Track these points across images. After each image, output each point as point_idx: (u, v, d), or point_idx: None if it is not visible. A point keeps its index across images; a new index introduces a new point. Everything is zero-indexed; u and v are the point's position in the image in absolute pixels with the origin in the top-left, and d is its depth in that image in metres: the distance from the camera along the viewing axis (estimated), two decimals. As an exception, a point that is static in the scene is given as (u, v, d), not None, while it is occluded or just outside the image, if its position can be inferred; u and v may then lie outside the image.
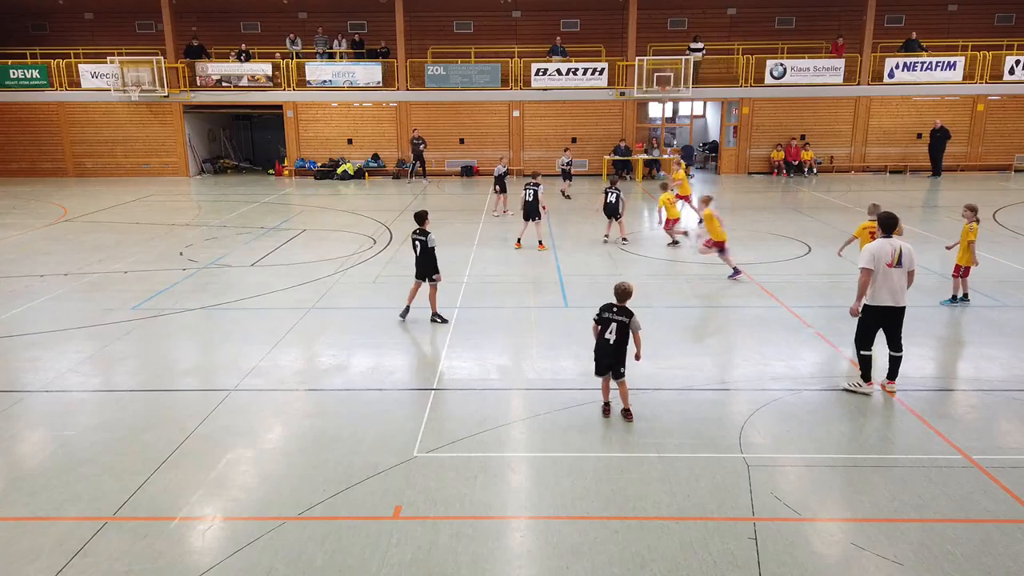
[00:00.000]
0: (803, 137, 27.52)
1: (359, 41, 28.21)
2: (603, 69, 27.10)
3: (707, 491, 6.05)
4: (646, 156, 27.24)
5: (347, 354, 9.42)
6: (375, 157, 27.49)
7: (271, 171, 28.40)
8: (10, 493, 6.19)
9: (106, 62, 26.26)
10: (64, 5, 28.04)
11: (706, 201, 12.69)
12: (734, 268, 12.55)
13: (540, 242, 15.02)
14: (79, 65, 26.86)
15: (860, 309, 7.82)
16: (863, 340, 7.88)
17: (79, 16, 29.04)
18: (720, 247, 12.51)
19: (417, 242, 10.22)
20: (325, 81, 27.15)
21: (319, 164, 27.28)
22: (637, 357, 7.32)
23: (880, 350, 8.06)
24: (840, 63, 26.95)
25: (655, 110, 30.25)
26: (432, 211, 19.34)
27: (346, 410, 7.77)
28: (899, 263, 7.61)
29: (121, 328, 10.29)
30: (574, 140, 27.64)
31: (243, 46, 27.76)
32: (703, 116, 32.17)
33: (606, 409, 7.53)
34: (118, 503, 5.89)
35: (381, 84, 27.14)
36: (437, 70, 27.08)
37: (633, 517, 5.72)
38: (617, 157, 26.79)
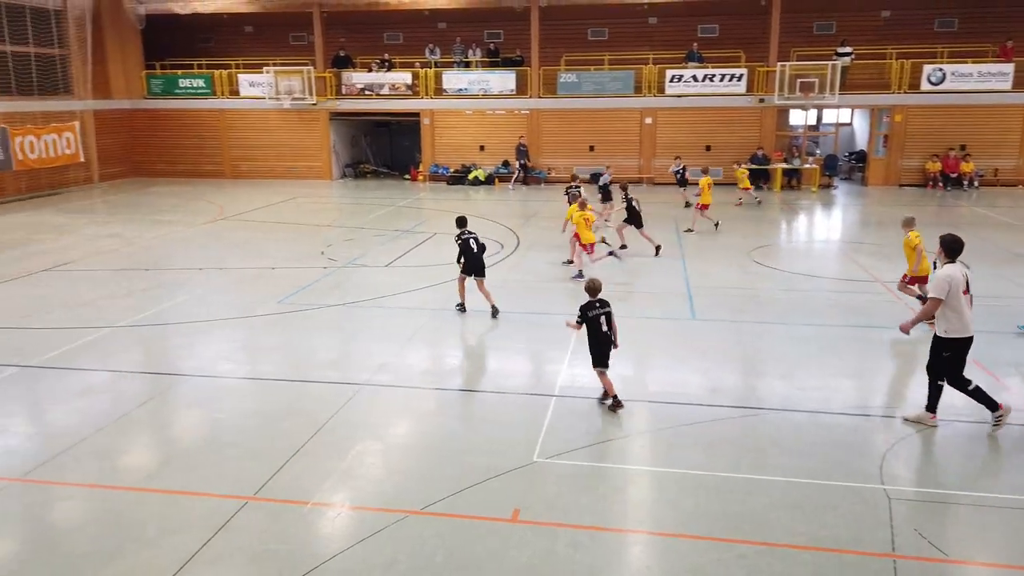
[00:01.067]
0: (963, 147, 25.41)
1: (494, 50, 28.79)
2: (742, 75, 26.23)
3: (842, 522, 5.69)
4: (785, 165, 26.09)
5: (471, 356, 9.60)
6: (505, 164, 27.93)
7: (407, 176, 29.49)
8: (167, 467, 6.75)
9: (262, 72, 28.22)
10: (228, 20, 30.37)
11: (909, 224, 10.61)
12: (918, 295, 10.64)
13: (657, 248, 14.90)
14: (239, 75, 29.00)
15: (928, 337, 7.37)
16: (957, 380, 7.15)
17: (240, 29, 31.38)
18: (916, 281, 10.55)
19: (472, 241, 10.99)
20: (461, 89, 27.89)
21: (452, 170, 28.05)
22: (615, 345, 7.83)
23: (920, 378, 7.58)
24: (1009, 68, 24.67)
25: (797, 117, 28.92)
26: (551, 218, 19.48)
27: (468, 410, 7.92)
28: (967, 289, 7.09)
29: (267, 320, 11.00)
30: (708, 148, 26.91)
31: (386, 56, 29.01)
32: (849, 124, 30.42)
33: (617, 402, 7.68)
34: (258, 484, 6.28)
35: (514, 92, 27.55)
36: (569, 77, 27.17)
37: (761, 542, 5.47)
38: (754, 166, 25.84)
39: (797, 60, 25.96)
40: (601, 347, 7.72)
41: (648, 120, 27.10)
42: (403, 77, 28.20)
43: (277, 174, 29.07)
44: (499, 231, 17.69)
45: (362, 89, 28.41)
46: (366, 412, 7.82)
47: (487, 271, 11.35)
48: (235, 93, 29.05)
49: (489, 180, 27.43)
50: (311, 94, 27.77)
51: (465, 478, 6.36)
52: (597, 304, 7.73)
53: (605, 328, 7.70)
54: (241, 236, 17.46)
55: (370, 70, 28.50)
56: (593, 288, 7.80)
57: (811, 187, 25.68)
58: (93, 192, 25.76)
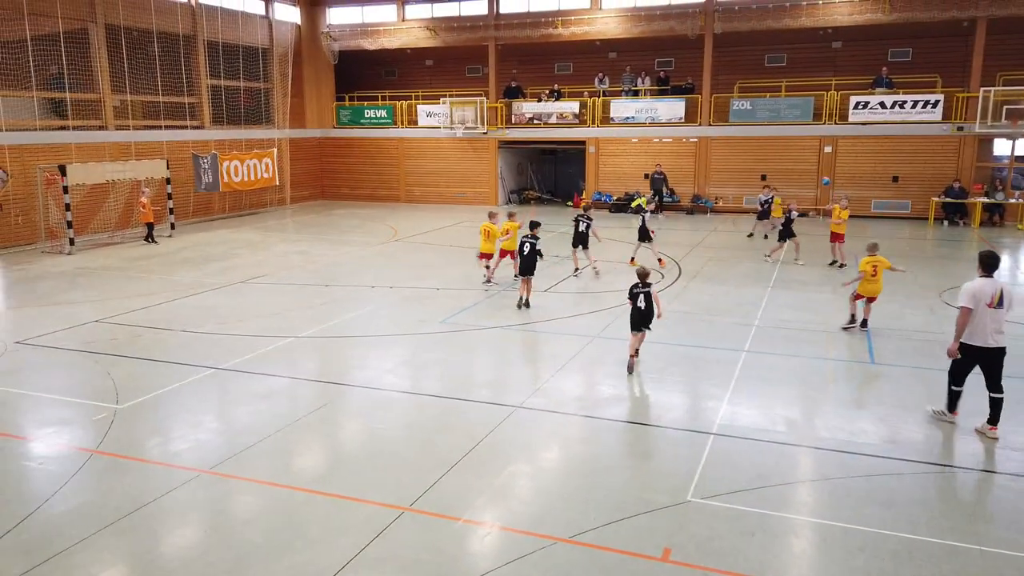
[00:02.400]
0: None
1: (664, 78, 28.54)
2: (938, 101, 24.17)
3: (1046, 605, 4.97)
4: (986, 200, 23.64)
5: (626, 384, 9.43)
6: (672, 192, 27.49)
7: (569, 203, 29.79)
8: (333, 472, 7.17)
9: (439, 103, 29.77)
10: (410, 55, 32.37)
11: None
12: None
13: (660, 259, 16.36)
14: (417, 106, 30.80)
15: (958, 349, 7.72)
16: (956, 376, 7.90)
17: (421, 63, 33.35)
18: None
19: (527, 244, 12.94)
20: (628, 117, 27.87)
21: (615, 197, 27.99)
22: (659, 315, 9.79)
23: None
24: None
25: (1002, 147, 26.16)
26: (719, 248, 18.79)
27: (621, 441, 7.76)
28: (999, 304, 7.49)
29: (430, 338, 11.46)
30: (895, 179, 24.98)
31: (555, 86, 29.64)
32: (1066, 154, 27.07)
33: (632, 363, 9.72)
34: (414, 496, 6.50)
35: (683, 120, 27.12)
36: (743, 104, 26.34)
37: (942, 617, 4.89)
38: (949, 199, 23.65)
39: (1003, 85, 23.55)
40: (635, 317, 9.76)
41: (827, 149, 25.63)
42: (571, 106, 28.63)
43: (447, 199, 30.40)
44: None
45: (531, 118, 29.15)
46: (519, 434, 7.89)
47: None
48: (413, 123, 30.82)
49: (659, 209, 27.08)
50: (482, 123, 28.88)
51: (616, 510, 6.22)
52: (638, 285, 9.74)
53: (643, 305, 9.68)
54: (412, 257, 18.38)
55: (539, 100, 29.21)
56: (641, 274, 9.84)
57: (1017, 224, 23.09)
58: (285, 213, 28.22)
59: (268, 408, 8.65)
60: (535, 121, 29.13)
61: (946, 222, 23.79)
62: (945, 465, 7.09)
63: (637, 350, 9.83)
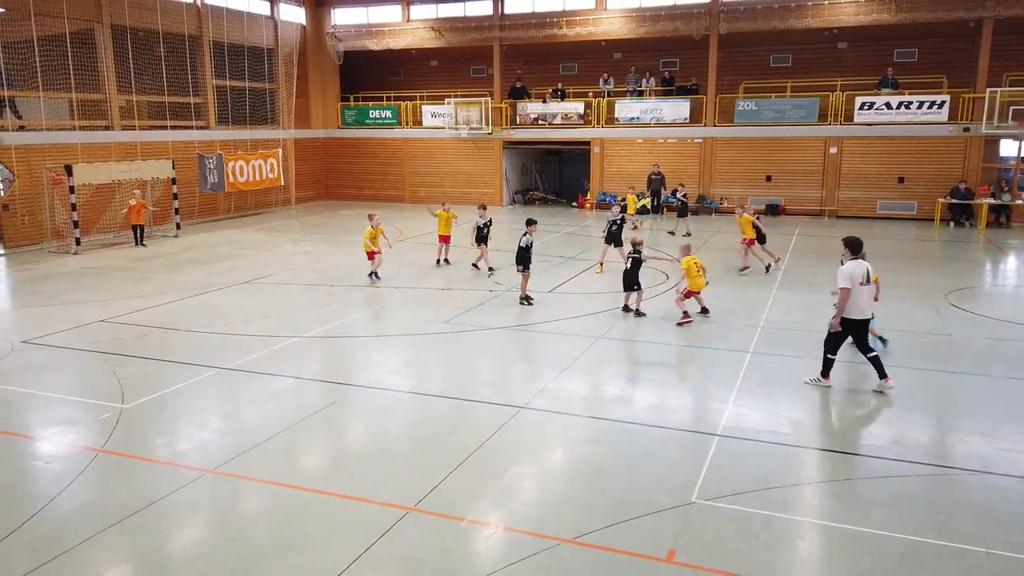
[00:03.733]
0: None
1: (669, 78, 28.51)
2: (944, 102, 24.10)
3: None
4: (992, 201, 23.56)
5: (631, 387, 9.43)
6: (674, 193, 27.45)
7: (574, 203, 29.77)
8: (336, 471, 7.17)
9: (443, 103, 29.78)
10: (415, 55, 32.39)
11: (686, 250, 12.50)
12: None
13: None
14: (422, 106, 30.82)
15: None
16: (832, 347, 8.97)
17: (426, 63, 33.35)
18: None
19: (523, 239, 13.42)
20: (632, 118, 27.85)
21: (619, 198, 27.97)
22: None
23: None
24: None
25: (1008, 148, 26.07)
26: (723, 249, 18.75)
27: (626, 443, 7.75)
28: (867, 281, 8.68)
29: (434, 339, 11.46)
30: (901, 180, 24.92)
31: (559, 86, 29.62)
32: (1072, 155, 26.95)
33: (625, 310, 12.52)
34: (419, 496, 6.50)
35: (688, 120, 27.09)
36: (747, 105, 26.30)
37: (949, 619, 4.87)
38: (955, 200, 23.58)
39: (1010, 85, 23.47)
40: (625, 277, 12.43)
41: (833, 150, 25.58)
42: (575, 107, 28.62)
43: (451, 200, 30.20)
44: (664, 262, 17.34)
45: (535, 119, 29.15)
46: (523, 435, 7.89)
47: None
48: (418, 123, 30.84)
49: (657, 209, 27.06)
50: (487, 124, 28.88)
51: (620, 511, 6.21)
52: (632, 250, 12.41)
53: (627, 266, 12.36)
54: (415, 257, 18.38)
55: (544, 100, 29.19)
56: (634, 241, 12.60)
57: None
58: (290, 213, 28.26)
59: (273, 408, 8.66)
60: (540, 122, 29.12)
61: (952, 223, 23.71)
62: (951, 467, 7.07)
63: (626, 306, 12.60)
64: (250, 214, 27.35)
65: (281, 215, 27.60)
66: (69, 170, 18.93)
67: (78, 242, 19.19)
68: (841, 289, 8.59)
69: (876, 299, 9.28)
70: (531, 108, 29.27)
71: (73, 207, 19.03)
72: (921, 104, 24.39)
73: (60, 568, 5.52)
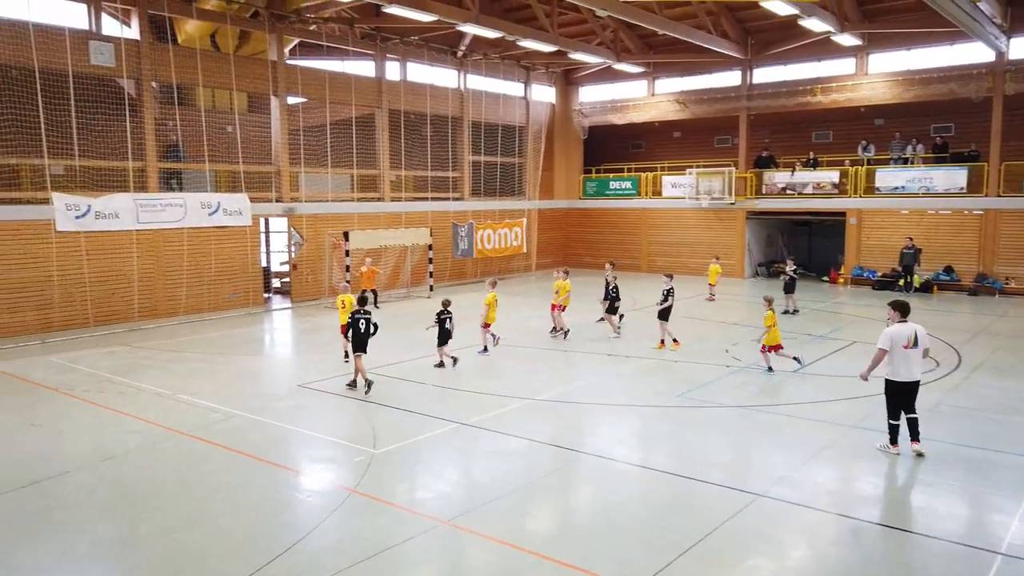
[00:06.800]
0: None
1: (941, 144, 25.83)
2: None
3: None
4: None
5: (890, 484, 8.36)
6: (947, 270, 24.51)
7: (825, 278, 27.74)
8: (562, 538, 7.13)
9: (684, 174, 29.63)
10: (658, 127, 32.74)
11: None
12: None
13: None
14: (663, 176, 30.92)
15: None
16: (891, 412, 9.11)
17: (669, 135, 33.55)
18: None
19: (445, 318, 13.65)
20: (896, 187, 25.55)
21: (879, 274, 25.56)
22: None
23: None
24: None
25: None
26: (1010, 336, 16.19)
27: (884, 550, 6.83)
28: (915, 344, 8.81)
29: (665, 412, 11.13)
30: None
31: (811, 154, 28.14)
32: None
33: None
34: (645, 575, 6.23)
35: (965, 190, 24.23)
36: (1041, 173, 22.94)
37: None
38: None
39: None
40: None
41: None
42: (829, 176, 26.97)
43: (689, 270, 29.80)
44: (936, 346, 15.42)
45: (783, 188, 27.91)
46: (761, 525, 7.28)
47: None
48: (657, 193, 30.95)
49: (926, 287, 24.32)
50: (730, 194, 28.18)
51: (873, 629, 5.44)
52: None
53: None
54: (649, 329, 18.16)
55: (793, 169, 27.89)
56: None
57: None
58: (530, 279, 29.52)
59: (505, 466, 8.89)
60: (788, 191, 27.81)
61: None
62: None
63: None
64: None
65: (521, 281, 28.91)
66: (347, 236, 21.50)
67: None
68: (878, 349, 9.02)
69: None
70: (778, 177, 28.10)
71: (347, 268, 21.51)
72: None
73: (311, 596, 6.00)
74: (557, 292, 17.10)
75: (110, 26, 18.92)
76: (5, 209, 16.66)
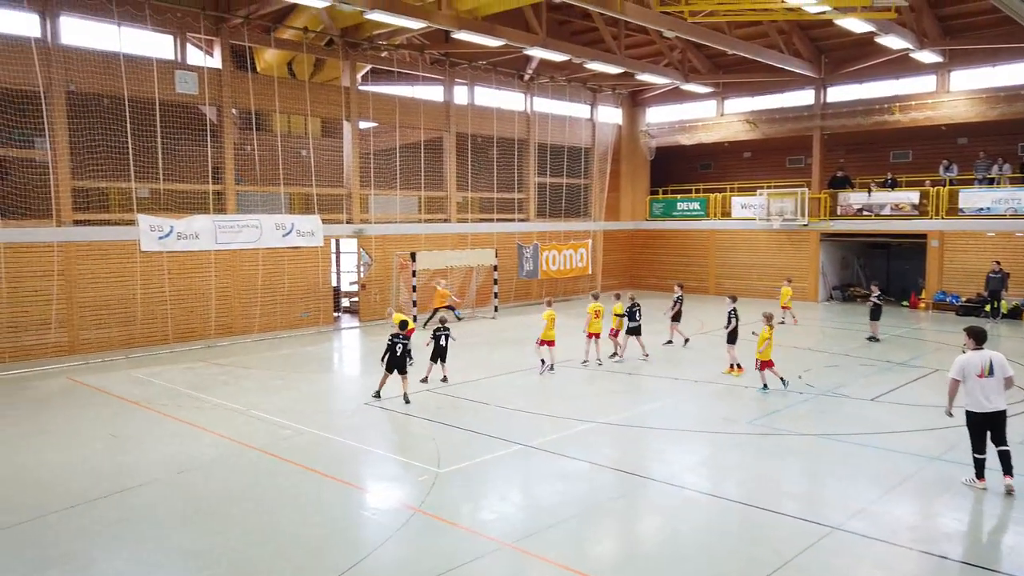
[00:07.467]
0: None
1: (1030, 163, 24.62)
2: None
3: None
4: None
5: (975, 520, 7.90)
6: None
7: (904, 302, 26.64)
8: (628, 566, 6.98)
9: (755, 194, 29.01)
10: (727, 147, 32.24)
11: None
12: None
13: None
14: (732, 197, 30.35)
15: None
16: (975, 445, 8.66)
17: (739, 155, 32.97)
18: None
19: (442, 338, 13.94)
20: (981, 208, 24.41)
21: (963, 298, 24.39)
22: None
23: None
24: None
25: None
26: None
27: (972, 591, 6.44)
28: (991, 373, 8.49)
29: (735, 439, 10.82)
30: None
31: (889, 175, 27.19)
32: None
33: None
34: (711, 609, 6.03)
35: (1056, 211, 22.99)
36: None
37: None
38: None
39: None
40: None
41: None
42: (909, 196, 25.99)
43: (759, 293, 29.10)
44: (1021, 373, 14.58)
45: (859, 209, 27.02)
46: (837, 560, 6.97)
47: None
48: (727, 214, 30.39)
49: (1014, 313, 23.09)
50: (803, 215, 27.44)
51: (961, 676, 5.11)
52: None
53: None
54: (716, 352, 17.76)
55: (870, 190, 27.00)
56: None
57: None
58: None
59: (568, 489, 8.79)
60: (864, 212, 26.91)
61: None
62: None
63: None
64: (558, 300, 28.90)
65: (585, 303, 28.67)
66: (413, 256, 21.83)
67: (415, 319, 21.85)
68: (951, 379, 8.78)
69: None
70: (854, 198, 27.23)
71: (413, 288, 21.81)
72: None
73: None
74: (597, 316, 16.64)
75: (194, 56, 19.88)
76: (96, 230, 17.57)
